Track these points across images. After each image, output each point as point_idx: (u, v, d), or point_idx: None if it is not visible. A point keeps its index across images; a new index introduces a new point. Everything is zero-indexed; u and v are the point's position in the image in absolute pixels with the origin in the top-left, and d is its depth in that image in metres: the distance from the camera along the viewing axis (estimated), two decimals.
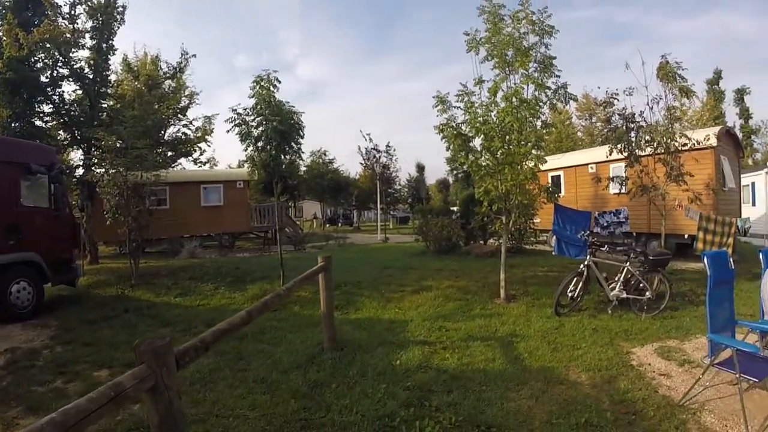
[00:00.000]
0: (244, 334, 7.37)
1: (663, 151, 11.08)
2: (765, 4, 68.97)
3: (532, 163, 9.48)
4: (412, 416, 4.57)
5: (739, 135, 24.78)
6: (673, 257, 10.68)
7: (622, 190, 12.99)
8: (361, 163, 34.37)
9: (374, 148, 31.15)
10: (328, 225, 47.18)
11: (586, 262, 8.86)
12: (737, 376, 4.49)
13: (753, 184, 23.80)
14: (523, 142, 9.13)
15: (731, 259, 5.41)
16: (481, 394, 5.15)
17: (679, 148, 11.14)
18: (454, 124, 9.57)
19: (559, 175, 20.30)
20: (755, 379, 4.52)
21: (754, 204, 23.56)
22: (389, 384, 5.38)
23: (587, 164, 18.73)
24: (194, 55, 25.75)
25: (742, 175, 20.23)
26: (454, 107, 9.61)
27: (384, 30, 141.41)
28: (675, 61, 10.83)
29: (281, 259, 11.68)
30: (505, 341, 7.14)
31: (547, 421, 4.55)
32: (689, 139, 11.21)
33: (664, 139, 10.89)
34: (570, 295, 8.80)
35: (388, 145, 32.34)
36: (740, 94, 42.39)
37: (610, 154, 12.09)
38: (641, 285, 8.72)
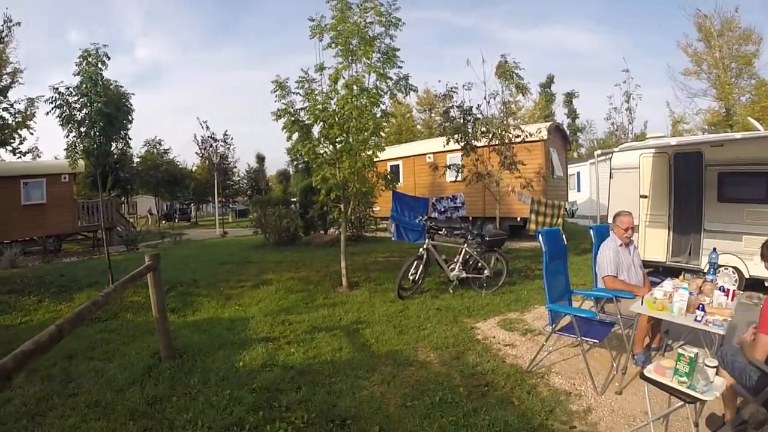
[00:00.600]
0: (72, 351, 6.33)
1: (498, 141, 11.55)
2: (593, 23, 78.93)
3: (371, 151, 9.30)
4: (262, 420, 4.11)
5: (567, 131, 27.44)
6: (507, 238, 11.14)
7: (459, 178, 13.36)
8: (198, 153, 31.92)
9: (211, 137, 29.30)
10: (164, 221, 43.61)
11: (425, 246, 8.85)
12: (578, 339, 4.75)
13: (579, 173, 27.86)
14: (361, 130, 8.88)
15: (563, 236, 5.69)
16: (331, 387, 4.81)
17: (513, 140, 11.70)
18: (292, 110, 9.09)
19: (398, 165, 20.70)
20: (595, 340, 4.80)
21: (579, 190, 27.52)
22: (234, 389, 4.82)
23: (425, 154, 19.30)
24: (19, 23, 22.46)
25: (569, 166, 23.33)
26: (293, 93, 9.14)
27: (228, 14, 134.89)
28: (513, 60, 11.38)
29: (109, 262, 10.42)
30: (351, 329, 6.86)
31: (402, 405, 4.34)
32: (522, 131, 11.86)
33: (499, 130, 11.41)
34: (412, 278, 8.73)
35: (225, 134, 30.45)
36: (569, 97, 47.28)
37: (447, 144, 12.40)
38: (479, 264, 8.96)
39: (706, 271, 5.50)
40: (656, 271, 8.54)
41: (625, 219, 5.55)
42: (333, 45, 8.81)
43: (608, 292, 5.33)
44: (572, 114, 46.93)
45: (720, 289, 4.56)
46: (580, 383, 4.73)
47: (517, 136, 11.75)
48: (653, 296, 4.58)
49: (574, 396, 4.46)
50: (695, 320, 3.99)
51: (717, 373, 3.23)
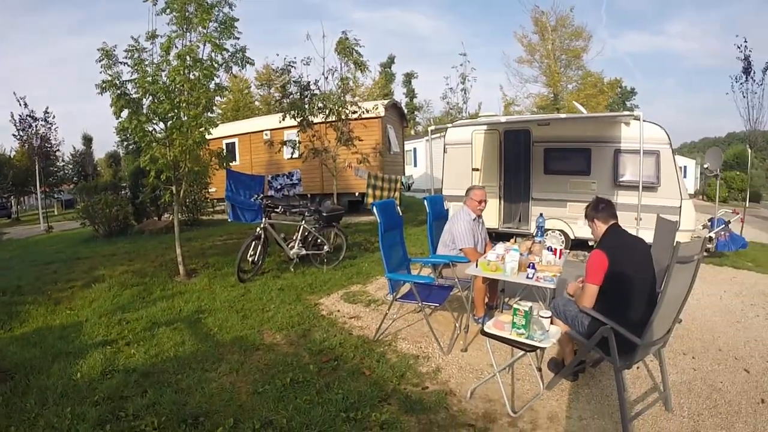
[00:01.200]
0: None
1: (335, 118, 11.48)
2: (437, 10, 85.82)
3: (203, 128, 8.78)
4: None
5: (405, 110, 29.13)
6: (346, 213, 11.30)
7: (295, 155, 13.20)
8: (15, 136, 27.98)
9: (30, 116, 25.96)
10: None
11: (262, 225, 8.62)
12: (420, 304, 4.94)
13: (415, 149, 30.06)
14: (193, 105, 8.36)
15: (398, 208, 5.85)
16: (178, 385, 4.46)
17: (350, 116, 11.71)
18: (118, 83, 8.30)
19: (234, 142, 19.96)
20: (436, 304, 5.01)
21: (416, 165, 29.63)
22: (75, 405, 4.21)
23: (262, 131, 18.55)
24: None
25: (406, 142, 24.87)
26: (121, 63, 8.33)
27: None
28: (354, 37, 11.36)
29: None
30: (192, 320, 6.45)
31: (254, 392, 4.19)
32: (360, 108, 11.89)
33: (336, 107, 11.29)
34: (251, 259, 8.47)
35: (46, 112, 27.07)
36: (408, 77, 49.05)
37: (284, 120, 12.12)
38: (319, 240, 8.96)
39: (534, 234, 5.91)
40: (489, 237, 9.13)
41: (479, 192, 5.84)
42: (168, 11, 8.13)
43: (443, 258, 5.57)
44: (411, 93, 48.82)
45: (548, 248, 4.94)
46: (427, 346, 4.93)
47: (354, 113, 11.82)
48: (487, 259, 4.82)
49: (423, 358, 4.63)
50: (527, 278, 4.29)
51: (552, 323, 3.49)
